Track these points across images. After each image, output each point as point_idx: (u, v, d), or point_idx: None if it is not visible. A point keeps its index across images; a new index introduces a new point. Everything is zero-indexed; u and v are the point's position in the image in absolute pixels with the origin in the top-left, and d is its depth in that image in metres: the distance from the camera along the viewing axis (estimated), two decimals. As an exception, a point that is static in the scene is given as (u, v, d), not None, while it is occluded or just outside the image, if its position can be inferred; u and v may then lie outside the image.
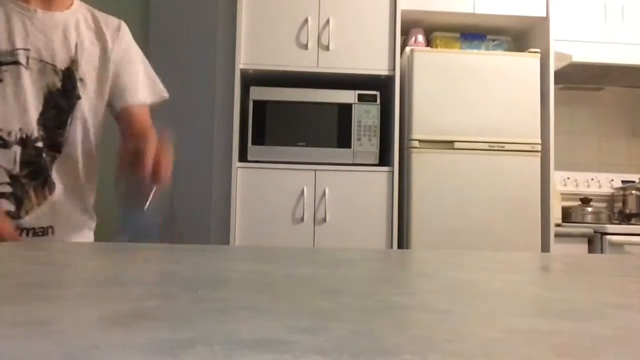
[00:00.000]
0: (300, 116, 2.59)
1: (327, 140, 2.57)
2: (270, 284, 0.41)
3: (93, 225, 1.27)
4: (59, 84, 1.14)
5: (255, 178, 2.52)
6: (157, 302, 0.31)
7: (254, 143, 2.55)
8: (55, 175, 1.14)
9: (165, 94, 1.35)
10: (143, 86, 1.28)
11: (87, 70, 1.18)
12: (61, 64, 1.14)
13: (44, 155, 1.12)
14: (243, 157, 2.56)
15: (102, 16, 1.25)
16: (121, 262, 0.60)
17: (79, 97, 1.16)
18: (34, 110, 1.11)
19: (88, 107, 1.18)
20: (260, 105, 2.57)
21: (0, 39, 1.09)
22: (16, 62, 1.10)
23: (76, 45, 1.17)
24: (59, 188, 1.14)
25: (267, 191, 2.51)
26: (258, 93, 2.57)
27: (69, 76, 1.15)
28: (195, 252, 0.69)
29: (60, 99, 1.14)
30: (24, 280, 0.41)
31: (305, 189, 2.51)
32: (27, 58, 1.11)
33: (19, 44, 1.11)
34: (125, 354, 0.21)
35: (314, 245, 2.47)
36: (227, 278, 0.45)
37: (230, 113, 2.58)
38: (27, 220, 1.10)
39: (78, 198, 1.20)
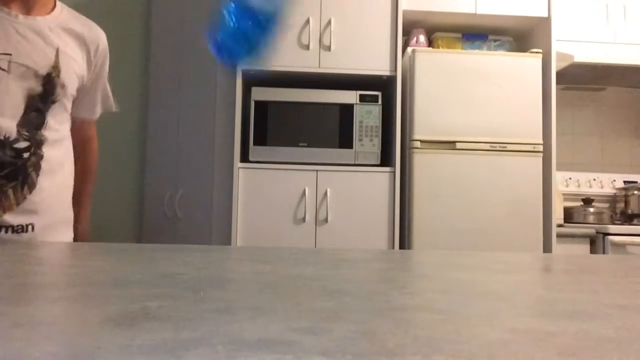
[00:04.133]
0: (301, 116, 2.59)
1: (329, 141, 2.57)
2: (273, 284, 0.41)
3: (72, 222, 1.31)
4: (39, 89, 1.16)
5: (257, 178, 2.53)
6: (159, 303, 0.31)
7: (255, 143, 2.55)
8: (39, 174, 1.17)
9: (113, 109, 1.41)
10: (100, 102, 1.37)
11: (68, 75, 1.20)
12: (42, 69, 1.16)
13: (24, 155, 1.14)
14: (245, 158, 2.56)
15: (83, 22, 1.28)
16: (123, 262, 0.60)
17: (54, 101, 1.19)
18: (14, 112, 1.13)
19: (64, 108, 1.22)
20: (261, 105, 2.57)
21: None
22: None
23: (57, 51, 1.19)
24: (41, 186, 1.17)
25: (268, 191, 2.51)
26: (260, 93, 2.58)
27: (50, 81, 1.17)
28: (197, 252, 0.69)
29: (39, 102, 1.17)
30: (26, 281, 0.41)
31: (306, 189, 2.51)
32: (9, 62, 1.13)
33: (0, 48, 1.12)
34: (128, 355, 0.21)
35: (315, 246, 2.48)
36: (230, 278, 0.45)
37: (231, 113, 2.59)
38: (6, 219, 1.12)
39: (60, 194, 1.23)
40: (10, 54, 1.13)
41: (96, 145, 1.44)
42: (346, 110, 2.58)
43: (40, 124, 1.17)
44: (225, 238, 2.54)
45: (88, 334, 0.24)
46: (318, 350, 0.21)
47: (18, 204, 1.14)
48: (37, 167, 1.17)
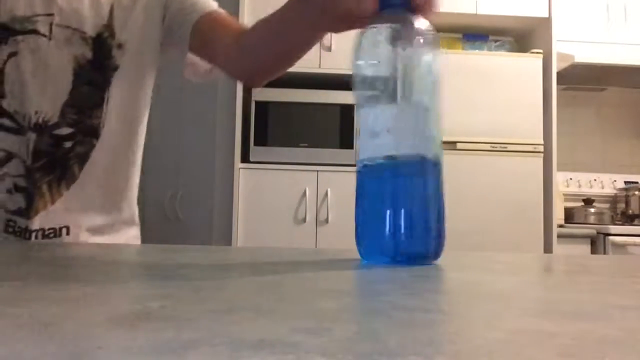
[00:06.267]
0: (302, 117, 2.59)
1: (330, 141, 2.57)
2: (273, 284, 0.41)
3: (134, 218, 1.06)
4: (89, 55, 0.92)
5: (258, 179, 2.52)
6: (161, 303, 0.31)
7: (256, 144, 2.55)
8: (89, 166, 0.95)
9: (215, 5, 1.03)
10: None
11: (129, 32, 0.95)
12: (91, 30, 0.93)
13: (65, 145, 0.92)
14: (245, 158, 2.56)
15: None
16: (123, 262, 0.60)
17: (115, 69, 0.95)
18: (57, 90, 0.91)
19: (131, 79, 0.97)
20: (262, 106, 2.57)
21: (16, 2, 0.89)
22: (35, 31, 0.90)
23: (112, 7, 0.95)
24: (83, 180, 0.94)
25: (269, 192, 2.51)
26: (260, 94, 2.58)
27: (102, 45, 0.93)
28: (198, 253, 0.69)
29: (93, 73, 0.93)
30: (25, 280, 0.41)
31: (307, 189, 2.51)
32: (50, 25, 0.90)
33: (40, 8, 0.90)
34: (129, 355, 0.21)
35: (316, 246, 2.48)
36: (231, 279, 0.45)
37: (232, 114, 2.59)
38: (36, 221, 0.92)
39: (110, 194, 0.99)
40: (52, 14, 0.90)
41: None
42: (347, 110, 2.58)
43: (97, 101, 0.93)
44: (226, 238, 2.54)
45: (89, 334, 0.24)
46: (319, 351, 0.21)
47: (53, 202, 0.93)
48: (84, 159, 0.94)
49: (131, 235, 1.05)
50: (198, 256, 0.65)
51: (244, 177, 2.50)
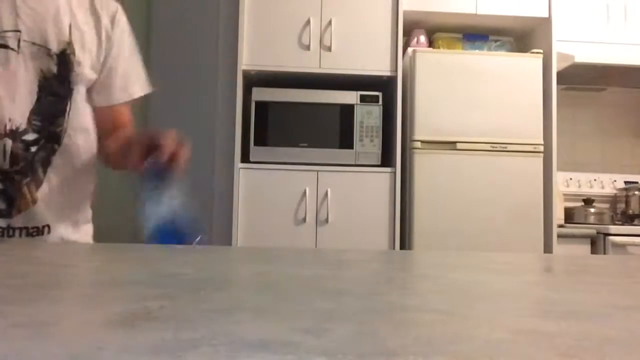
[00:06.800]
0: (302, 117, 2.59)
1: (329, 141, 2.57)
2: (273, 285, 0.41)
3: (90, 216, 1.18)
4: (54, 69, 1.02)
5: (258, 179, 2.52)
6: (160, 303, 0.31)
7: (256, 144, 2.55)
8: (51, 170, 1.04)
9: (148, 90, 1.22)
10: (133, 81, 1.18)
11: (83, 54, 1.07)
12: (55, 47, 1.02)
13: (31, 149, 1.01)
14: (245, 158, 2.56)
15: None
16: (124, 262, 0.60)
17: (76, 83, 1.06)
18: (25, 99, 1.00)
19: (84, 92, 1.09)
20: (262, 106, 2.57)
21: None
22: (5, 46, 0.98)
23: (70, 27, 1.05)
24: (55, 183, 1.05)
25: (269, 192, 2.51)
26: (260, 94, 2.58)
27: (65, 60, 1.04)
28: (197, 253, 0.69)
29: (57, 86, 1.03)
30: (27, 281, 0.41)
31: (307, 189, 2.51)
32: (18, 41, 0.99)
33: (8, 25, 0.99)
34: (129, 355, 0.21)
35: (316, 246, 2.48)
36: (230, 279, 0.45)
37: (232, 114, 2.59)
38: (19, 219, 1.00)
39: (77, 192, 1.11)
40: (19, 31, 0.99)
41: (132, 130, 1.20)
42: (347, 110, 2.58)
43: (59, 111, 1.04)
44: (226, 238, 2.54)
45: (89, 335, 0.24)
46: (319, 351, 0.21)
47: (34, 202, 1.02)
48: (46, 163, 1.03)
49: (90, 233, 1.17)
50: (197, 256, 0.65)
51: (244, 177, 2.50)
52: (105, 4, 1.12)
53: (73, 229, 1.11)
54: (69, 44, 1.04)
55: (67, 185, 1.07)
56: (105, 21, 1.11)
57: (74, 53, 1.05)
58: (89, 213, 1.17)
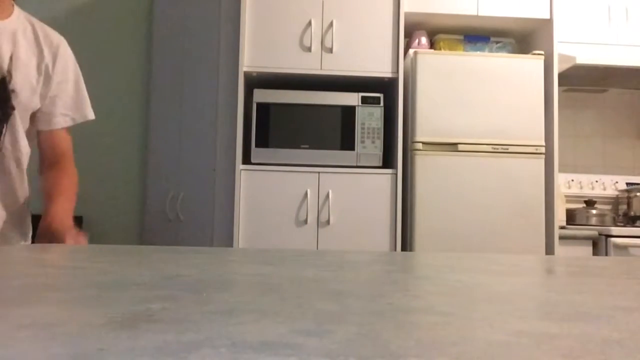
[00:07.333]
0: (303, 118, 2.59)
1: (331, 143, 2.57)
2: (275, 286, 0.41)
3: (29, 233, 1.24)
4: None
5: (259, 180, 2.53)
6: (162, 305, 0.31)
7: (257, 145, 2.55)
8: None
9: (91, 116, 1.30)
10: (75, 108, 1.26)
11: (21, 83, 1.15)
12: None
13: None
14: (246, 160, 2.56)
15: (42, 29, 1.22)
16: (125, 264, 0.60)
17: (13, 108, 1.14)
18: None
19: (20, 118, 1.17)
20: (263, 107, 2.57)
21: None
22: None
23: (11, 57, 1.14)
24: None
25: (270, 193, 2.51)
26: (261, 95, 2.58)
27: (3, 87, 1.12)
28: (199, 254, 0.69)
29: None
30: (29, 282, 0.41)
31: (308, 191, 2.51)
32: None
33: None
34: (131, 357, 0.21)
35: (317, 248, 2.47)
36: (232, 280, 0.45)
37: (233, 115, 2.59)
38: None
39: (9, 209, 1.18)
40: None
41: (71, 162, 1.28)
42: (348, 112, 2.58)
43: None
44: (227, 240, 2.54)
45: (91, 336, 0.24)
46: (321, 353, 0.21)
47: None
48: None
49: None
50: (199, 257, 0.65)
51: (246, 178, 2.50)
52: (48, 39, 1.21)
53: (23, 239, 1.20)
54: (9, 72, 1.13)
55: (6, 199, 1.16)
56: (46, 54, 1.20)
57: (11, 81, 1.13)
58: (27, 225, 1.24)
